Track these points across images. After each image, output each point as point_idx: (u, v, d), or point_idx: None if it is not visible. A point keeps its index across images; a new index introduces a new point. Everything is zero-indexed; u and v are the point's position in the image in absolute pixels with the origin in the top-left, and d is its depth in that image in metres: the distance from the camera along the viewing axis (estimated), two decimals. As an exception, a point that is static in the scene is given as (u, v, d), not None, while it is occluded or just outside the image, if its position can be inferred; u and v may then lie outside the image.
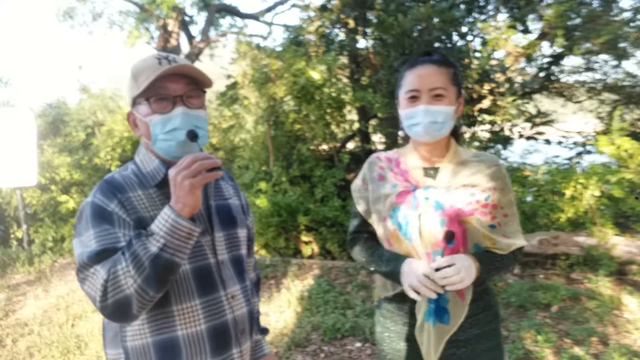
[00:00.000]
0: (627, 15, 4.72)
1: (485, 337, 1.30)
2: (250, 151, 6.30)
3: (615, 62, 5.56)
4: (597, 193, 3.96)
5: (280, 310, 3.69)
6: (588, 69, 5.92)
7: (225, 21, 11.22)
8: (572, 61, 10.36)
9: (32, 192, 6.34)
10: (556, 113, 6.23)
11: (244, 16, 10.64)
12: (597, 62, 5.82)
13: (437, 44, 5.02)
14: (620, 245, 3.83)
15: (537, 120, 5.89)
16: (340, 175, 5.46)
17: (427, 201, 1.26)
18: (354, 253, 1.47)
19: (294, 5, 9.74)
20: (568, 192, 4.07)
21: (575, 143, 6.06)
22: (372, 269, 1.38)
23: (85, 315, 3.79)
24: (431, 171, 1.32)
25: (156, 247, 0.91)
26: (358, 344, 3.11)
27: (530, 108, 6.16)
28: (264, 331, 1.40)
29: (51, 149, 6.88)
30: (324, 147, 6.11)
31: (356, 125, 6.29)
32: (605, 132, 4.96)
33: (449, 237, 1.19)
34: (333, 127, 5.97)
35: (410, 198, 1.28)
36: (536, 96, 6.18)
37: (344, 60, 6.24)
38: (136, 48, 9.73)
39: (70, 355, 3.19)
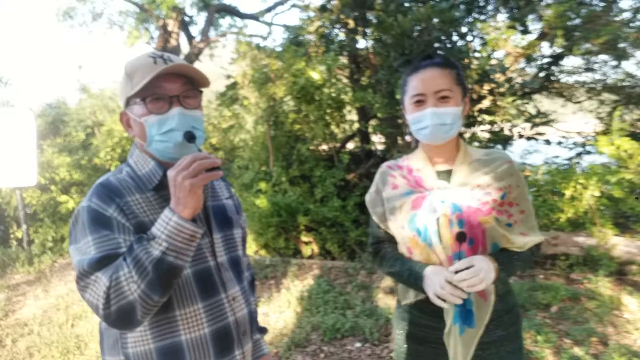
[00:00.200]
0: (626, 15, 4.72)
1: (510, 339, 1.30)
2: (250, 151, 6.30)
3: (615, 63, 5.56)
4: (597, 193, 3.96)
5: (280, 310, 3.69)
6: (588, 69, 5.92)
7: (225, 21, 11.22)
8: (572, 61, 10.38)
9: (32, 192, 6.34)
10: (556, 113, 6.23)
11: (243, 16, 10.64)
12: (596, 63, 5.82)
13: (436, 44, 5.02)
14: (620, 245, 3.83)
15: (537, 120, 5.89)
16: (340, 175, 5.46)
17: (443, 204, 1.25)
18: (376, 264, 1.46)
19: (293, 6, 9.74)
20: (568, 193, 4.07)
21: (575, 143, 6.06)
22: (394, 279, 1.38)
23: (85, 315, 3.79)
24: (444, 174, 1.32)
25: (158, 250, 0.89)
26: (358, 344, 3.11)
27: (530, 108, 6.15)
28: (263, 330, 1.39)
29: (51, 149, 6.88)
30: (324, 147, 6.11)
31: (356, 126, 6.29)
32: (605, 133, 4.96)
33: (461, 238, 1.20)
34: (333, 127, 5.97)
35: (426, 203, 1.28)
36: (536, 96, 6.18)
37: (343, 60, 6.23)
38: (136, 48, 9.73)
39: (70, 355, 3.19)
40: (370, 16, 5.61)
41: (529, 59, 5.32)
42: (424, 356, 1.34)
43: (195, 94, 1.09)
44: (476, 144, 5.48)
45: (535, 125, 5.87)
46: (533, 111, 6.10)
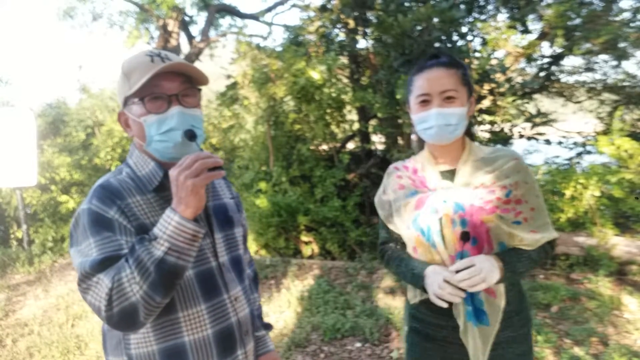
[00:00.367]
0: (627, 15, 4.72)
1: (519, 340, 1.29)
2: (250, 151, 6.29)
3: (615, 63, 5.56)
4: (597, 193, 3.95)
5: (280, 310, 3.69)
6: (588, 69, 5.92)
7: (225, 21, 11.22)
8: (572, 61, 10.36)
9: (32, 192, 6.34)
10: (556, 113, 6.22)
11: (243, 16, 10.64)
12: (597, 63, 5.81)
13: (437, 44, 5.01)
14: (620, 245, 3.82)
15: (537, 120, 5.89)
16: (340, 175, 5.46)
17: (445, 204, 1.25)
18: (384, 265, 1.47)
19: (294, 6, 9.75)
20: (568, 192, 4.07)
21: (575, 143, 6.05)
22: (400, 278, 1.41)
23: (85, 315, 3.79)
24: (448, 174, 1.32)
25: (160, 251, 0.89)
26: (358, 344, 3.11)
27: (530, 108, 6.15)
28: (268, 327, 1.38)
29: (51, 149, 6.87)
30: (324, 147, 6.11)
31: (356, 126, 6.29)
32: (605, 133, 4.96)
33: (465, 237, 1.20)
34: (333, 127, 5.97)
35: (429, 203, 1.28)
36: (536, 96, 6.18)
37: (344, 60, 6.23)
38: (136, 48, 9.72)
39: (70, 355, 3.19)
40: (371, 16, 5.61)
41: (529, 59, 5.32)
42: (432, 353, 1.35)
43: (194, 92, 1.08)
44: (476, 144, 5.47)
45: (535, 125, 5.87)
46: (533, 111, 6.10)
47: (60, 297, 4.18)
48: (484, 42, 4.92)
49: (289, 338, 3.20)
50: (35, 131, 5.75)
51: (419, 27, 4.93)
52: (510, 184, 1.24)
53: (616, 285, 3.61)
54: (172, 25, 9.11)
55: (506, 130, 5.69)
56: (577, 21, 4.59)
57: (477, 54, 4.93)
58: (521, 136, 5.83)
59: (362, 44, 5.96)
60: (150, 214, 1.03)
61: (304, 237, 5.28)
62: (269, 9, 10.22)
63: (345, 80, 6.38)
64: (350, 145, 6.61)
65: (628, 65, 5.92)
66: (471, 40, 5.23)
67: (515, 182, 1.24)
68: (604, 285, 3.56)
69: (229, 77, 6.43)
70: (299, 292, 3.95)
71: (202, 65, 9.59)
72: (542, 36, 5.00)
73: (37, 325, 3.65)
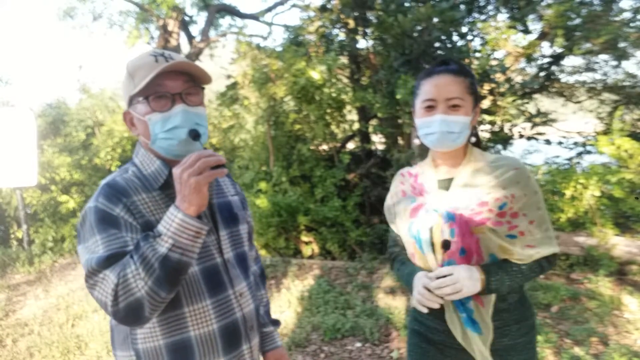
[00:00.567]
0: (627, 15, 4.72)
1: (518, 349, 1.27)
2: (250, 151, 6.29)
3: (615, 62, 5.56)
4: (597, 193, 3.95)
5: (281, 310, 3.69)
6: (588, 69, 5.92)
7: (225, 21, 11.22)
8: (572, 61, 10.38)
9: (32, 192, 6.34)
10: (556, 113, 6.22)
11: (244, 16, 10.64)
12: (597, 62, 5.81)
13: (437, 44, 5.01)
14: (620, 245, 3.82)
15: (537, 120, 5.89)
16: (340, 175, 5.46)
17: (437, 213, 1.26)
18: (390, 267, 1.52)
19: (294, 6, 9.75)
20: (568, 192, 4.07)
21: (575, 143, 6.05)
22: (400, 281, 1.43)
23: (85, 315, 3.79)
24: (446, 181, 1.32)
25: (165, 247, 0.90)
26: (358, 344, 3.11)
27: (530, 108, 6.15)
28: (276, 323, 1.41)
29: (51, 149, 6.87)
30: (324, 147, 6.11)
31: (356, 126, 6.29)
32: (606, 132, 4.96)
33: (446, 246, 1.21)
34: (333, 127, 5.97)
35: (422, 211, 1.29)
36: (536, 96, 6.17)
37: (344, 60, 6.23)
38: (137, 48, 9.73)
39: (70, 355, 3.19)
40: (371, 16, 5.61)
41: (529, 59, 5.32)
42: (431, 355, 1.36)
43: (198, 90, 1.09)
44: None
45: (535, 125, 5.87)
46: (533, 111, 6.09)
47: (61, 297, 4.18)
48: (484, 42, 4.92)
49: (289, 338, 3.20)
50: (35, 131, 5.75)
51: (419, 27, 4.93)
52: (506, 196, 1.21)
53: (616, 285, 3.61)
54: (172, 25, 9.11)
55: (506, 130, 5.69)
56: (577, 21, 4.58)
57: (477, 54, 4.92)
58: (521, 136, 5.83)
59: (362, 44, 5.96)
60: (155, 211, 1.05)
61: (304, 237, 5.28)
62: (269, 9, 10.22)
63: (345, 80, 6.38)
64: (350, 145, 6.61)
65: (628, 65, 5.93)
66: (471, 40, 5.23)
67: (512, 195, 1.21)
68: (604, 285, 3.56)
69: (229, 77, 6.43)
70: (299, 292, 3.95)
71: (202, 65, 9.57)
72: (542, 36, 5.01)
73: (37, 325, 3.65)
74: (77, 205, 6.40)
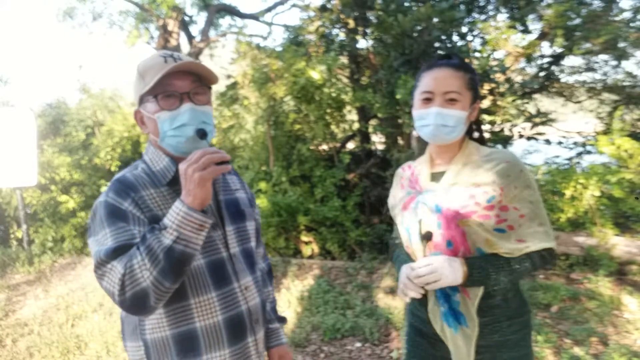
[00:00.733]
0: (627, 15, 4.72)
1: (509, 346, 1.25)
2: (250, 151, 6.29)
3: (615, 62, 5.55)
4: (597, 193, 3.95)
5: (280, 310, 3.69)
6: (588, 69, 5.91)
7: (225, 21, 11.22)
8: (572, 61, 10.36)
9: (32, 192, 6.34)
10: (556, 113, 6.22)
11: (243, 16, 10.64)
12: (597, 62, 5.81)
13: (437, 44, 5.01)
14: (620, 245, 3.82)
15: (537, 120, 5.88)
16: (340, 175, 5.45)
17: (425, 205, 1.27)
18: (390, 259, 1.54)
19: (294, 5, 9.75)
20: (568, 192, 4.07)
21: (575, 143, 6.05)
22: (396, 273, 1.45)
23: (85, 315, 3.79)
24: (439, 175, 1.32)
25: (169, 239, 0.94)
26: (358, 344, 3.11)
27: (530, 108, 6.15)
28: (282, 320, 1.44)
29: (51, 149, 6.87)
30: (324, 147, 6.11)
31: (356, 126, 6.29)
32: (606, 132, 4.96)
33: (426, 237, 1.23)
34: (333, 127, 5.97)
35: (413, 204, 1.31)
36: (536, 96, 6.17)
37: (344, 60, 6.23)
38: (136, 48, 9.73)
39: (70, 355, 3.19)
40: (371, 16, 5.61)
41: (529, 59, 5.32)
42: (423, 348, 1.38)
43: (205, 90, 1.14)
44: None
45: (535, 125, 5.87)
46: (533, 111, 6.09)
47: (60, 297, 4.18)
48: (484, 42, 4.92)
49: (289, 338, 3.20)
50: (35, 131, 5.75)
51: (419, 27, 4.93)
52: (495, 189, 1.20)
53: (616, 285, 3.61)
54: (172, 25, 9.11)
55: (506, 130, 5.69)
56: (577, 21, 4.58)
57: (477, 54, 4.92)
58: (521, 136, 5.83)
59: (362, 44, 5.96)
60: (163, 206, 1.09)
61: (304, 237, 5.28)
62: (269, 9, 10.22)
63: (345, 80, 6.38)
64: (350, 145, 6.60)
65: (628, 65, 5.93)
66: (471, 40, 5.23)
67: (501, 188, 1.20)
68: (604, 285, 3.56)
69: (229, 77, 6.42)
70: (299, 292, 3.95)
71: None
72: (542, 36, 5.00)
73: (37, 325, 3.65)
74: (77, 205, 6.39)
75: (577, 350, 2.78)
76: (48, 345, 3.30)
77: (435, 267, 1.18)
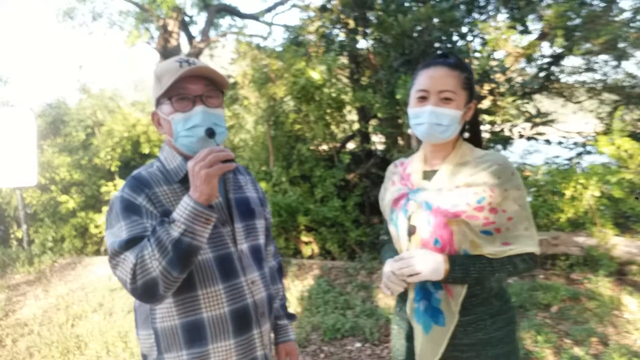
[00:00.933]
0: (627, 15, 4.72)
1: (493, 343, 1.25)
2: (250, 151, 6.29)
3: (615, 63, 5.56)
4: (597, 193, 3.95)
5: (280, 310, 3.69)
6: (588, 69, 5.91)
7: (225, 21, 11.23)
8: (572, 61, 10.37)
9: (32, 192, 6.34)
10: (556, 113, 6.22)
11: (244, 16, 10.64)
12: (597, 63, 5.81)
13: (437, 44, 5.01)
14: (620, 245, 3.82)
15: (537, 120, 5.89)
16: (340, 175, 5.45)
17: (416, 203, 1.28)
18: (378, 251, 1.55)
19: (294, 6, 9.75)
20: (568, 193, 4.07)
21: (575, 143, 6.05)
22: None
23: (85, 316, 3.79)
24: (431, 173, 1.33)
25: (178, 232, 1.00)
26: (358, 344, 3.11)
27: (530, 108, 6.15)
28: (291, 317, 1.50)
29: (51, 149, 6.87)
30: (324, 147, 6.10)
31: (356, 126, 6.28)
32: (606, 133, 4.96)
33: (411, 231, 1.26)
34: (333, 127, 5.96)
35: (403, 200, 1.33)
36: (536, 96, 6.17)
37: (344, 60, 6.23)
38: (136, 48, 9.73)
39: (70, 355, 3.19)
40: (371, 16, 5.61)
41: (529, 59, 5.32)
42: (401, 342, 1.39)
43: (217, 94, 1.20)
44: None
45: (535, 125, 5.87)
46: (533, 111, 6.10)
47: (60, 297, 4.18)
48: (484, 43, 4.92)
49: (289, 338, 3.20)
50: (35, 131, 5.75)
51: (419, 27, 4.93)
52: (485, 190, 1.21)
53: (616, 286, 3.61)
54: (172, 25, 9.11)
55: (506, 130, 5.69)
56: (577, 21, 4.59)
57: (477, 54, 4.93)
58: (521, 136, 5.83)
59: (362, 44, 5.96)
60: (174, 202, 1.16)
61: (304, 237, 5.27)
62: (269, 9, 10.23)
63: (345, 80, 6.38)
64: (350, 145, 6.60)
65: (628, 65, 5.93)
66: (471, 41, 5.23)
67: (491, 189, 1.21)
68: (604, 286, 3.56)
69: (228, 77, 6.42)
70: (299, 292, 3.95)
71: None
72: (542, 36, 5.00)
73: (37, 325, 3.65)
74: (76, 205, 6.39)
75: (577, 351, 2.78)
76: (48, 345, 3.30)
77: (415, 260, 1.20)
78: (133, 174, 1.19)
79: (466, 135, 1.39)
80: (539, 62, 5.76)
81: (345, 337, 3.21)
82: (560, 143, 6.06)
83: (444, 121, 1.25)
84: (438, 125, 1.25)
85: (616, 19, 4.61)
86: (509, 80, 5.17)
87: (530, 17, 5.00)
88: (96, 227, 6.30)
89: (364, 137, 6.08)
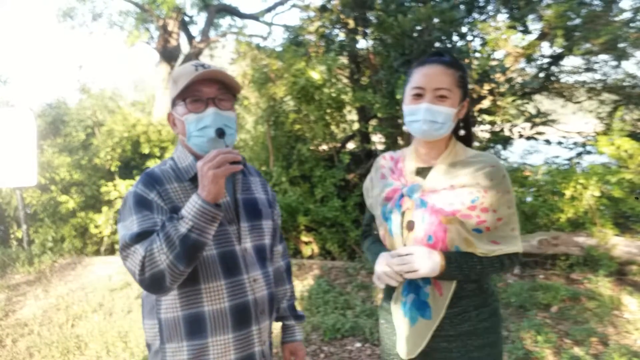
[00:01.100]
0: (627, 15, 4.72)
1: (478, 334, 1.30)
2: (250, 151, 6.29)
3: (615, 63, 5.56)
4: (597, 193, 3.96)
5: (280, 310, 3.69)
6: (588, 70, 5.91)
7: (225, 21, 11.24)
8: (572, 61, 10.35)
9: (32, 192, 6.34)
10: (556, 113, 6.22)
11: (243, 16, 10.65)
12: (597, 63, 5.81)
13: (437, 44, 5.01)
14: (620, 245, 3.83)
15: (537, 120, 5.89)
16: (340, 175, 5.45)
17: (411, 200, 1.30)
18: (363, 248, 1.55)
19: (294, 6, 9.76)
20: (568, 193, 4.07)
21: (575, 143, 6.05)
22: (368, 259, 1.46)
23: (85, 316, 3.79)
24: (424, 171, 1.35)
25: (185, 228, 1.05)
26: (358, 344, 3.12)
27: (530, 108, 6.15)
28: (298, 317, 1.54)
29: (51, 149, 6.87)
30: (324, 147, 6.10)
31: (356, 126, 6.28)
32: (605, 133, 4.96)
33: (409, 226, 1.28)
34: (333, 127, 5.96)
35: (397, 197, 1.34)
36: (536, 96, 6.17)
37: (344, 60, 6.23)
38: (136, 48, 9.74)
39: (70, 356, 3.19)
40: (371, 16, 5.61)
41: (529, 59, 5.32)
42: (388, 333, 1.41)
43: (229, 97, 1.26)
44: (476, 143, 5.47)
45: (535, 125, 5.87)
46: (533, 111, 6.10)
47: (60, 297, 4.18)
48: (484, 42, 4.92)
49: (289, 338, 3.20)
50: (35, 131, 5.75)
51: (419, 27, 4.93)
52: (479, 191, 1.25)
53: (616, 285, 3.61)
54: (172, 25, 9.11)
55: (506, 130, 5.69)
56: (577, 21, 4.59)
57: (477, 54, 4.92)
58: (521, 136, 5.83)
59: (362, 44, 5.96)
60: (184, 198, 1.21)
61: (304, 237, 5.28)
62: (269, 9, 10.24)
63: (345, 80, 6.37)
64: (350, 145, 6.60)
65: (628, 65, 5.93)
66: (471, 41, 5.23)
67: (485, 190, 1.25)
68: (604, 285, 3.56)
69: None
70: (298, 292, 3.95)
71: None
72: (542, 36, 5.00)
73: (37, 325, 3.65)
74: (76, 205, 6.39)
75: (577, 350, 2.78)
76: (48, 346, 3.30)
77: (415, 257, 1.22)
78: (147, 171, 1.26)
79: (461, 132, 1.41)
80: (539, 62, 5.76)
81: (345, 337, 3.21)
82: (560, 143, 6.06)
83: (439, 119, 1.26)
84: (433, 122, 1.27)
85: (616, 19, 4.61)
86: (509, 80, 5.16)
87: (530, 17, 5.00)
88: (96, 227, 6.30)
89: (364, 137, 6.08)
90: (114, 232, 6.25)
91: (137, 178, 1.24)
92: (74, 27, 11.01)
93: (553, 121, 6.06)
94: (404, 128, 1.40)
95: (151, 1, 7.97)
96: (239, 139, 7.25)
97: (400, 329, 1.32)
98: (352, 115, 6.38)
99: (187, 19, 10.13)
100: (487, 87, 4.89)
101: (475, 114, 5.18)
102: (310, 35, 6.03)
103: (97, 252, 6.28)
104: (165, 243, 1.05)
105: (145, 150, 6.84)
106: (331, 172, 5.49)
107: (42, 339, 3.41)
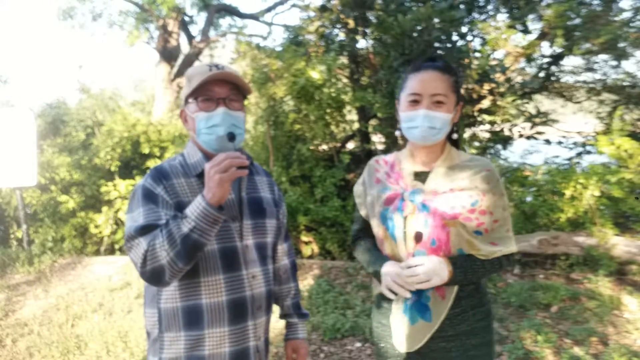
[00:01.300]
0: (626, 15, 4.72)
1: (475, 333, 1.32)
2: (250, 151, 6.29)
3: (615, 62, 5.56)
4: (597, 193, 3.96)
5: (280, 310, 3.69)
6: (588, 69, 5.91)
7: (225, 21, 11.24)
8: (572, 61, 10.37)
9: (32, 192, 6.34)
10: (556, 113, 6.23)
11: (243, 16, 10.65)
12: (597, 62, 5.81)
13: (437, 44, 5.01)
14: (620, 245, 3.83)
15: (537, 120, 5.89)
16: (340, 175, 5.46)
17: (412, 204, 1.31)
18: (355, 254, 1.54)
19: (294, 5, 9.76)
20: (568, 192, 4.07)
21: (575, 143, 6.06)
22: (363, 265, 1.46)
23: (85, 316, 3.79)
24: (422, 175, 1.36)
25: (187, 228, 1.08)
26: (358, 344, 3.12)
27: (530, 108, 6.15)
28: (302, 316, 1.56)
29: (51, 149, 6.86)
30: (324, 147, 6.10)
31: (356, 126, 6.28)
32: (605, 133, 4.96)
33: (418, 238, 1.28)
34: (333, 127, 5.96)
35: (398, 201, 1.34)
36: (536, 96, 6.17)
37: (343, 60, 6.23)
38: (136, 48, 9.74)
39: (70, 355, 3.19)
40: (370, 16, 5.61)
41: (529, 59, 5.32)
42: (386, 334, 1.40)
43: (240, 98, 1.31)
44: (476, 143, 5.47)
45: (535, 125, 5.87)
46: (533, 111, 6.10)
47: (60, 297, 4.18)
48: (484, 42, 4.92)
49: (289, 338, 3.20)
50: (35, 131, 5.74)
51: (419, 27, 4.93)
52: (478, 194, 1.28)
53: (616, 285, 3.61)
54: (172, 25, 9.11)
55: (506, 130, 5.69)
56: (577, 21, 4.58)
57: (477, 54, 4.92)
58: (521, 136, 5.84)
59: (362, 44, 5.96)
60: (190, 194, 1.25)
61: (304, 237, 5.28)
62: (269, 9, 10.23)
63: (345, 80, 6.37)
64: (350, 145, 6.60)
65: (628, 65, 5.94)
66: (471, 40, 5.23)
67: (483, 193, 1.29)
68: (603, 285, 3.56)
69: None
70: (298, 292, 3.94)
71: (202, 65, 9.57)
72: (542, 36, 5.00)
73: (37, 325, 3.65)
74: (76, 205, 6.38)
75: (577, 350, 2.78)
76: (48, 345, 3.30)
77: (427, 268, 1.24)
78: (156, 166, 1.30)
79: (454, 136, 1.42)
80: (538, 62, 5.76)
81: (345, 337, 3.21)
82: (560, 143, 6.06)
83: (437, 124, 1.28)
84: (431, 128, 1.28)
85: (616, 18, 4.61)
86: (508, 80, 5.17)
87: (530, 17, 5.00)
88: (96, 227, 6.30)
89: (364, 137, 6.08)
90: (114, 232, 6.25)
91: (137, 178, 1.28)
92: (74, 27, 11.01)
93: (553, 121, 6.06)
94: (397, 133, 1.40)
95: (151, 1, 7.96)
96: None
97: (399, 326, 1.33)
98: (352, 115, 6.38)
99: (187, 18, 10.13)
100: (487, 87, 4.89)
101: (475, 113, 5.18)
102: (310, 35, 6.03)
103: (97, 252, 6.28)
104: (167, 240, 1.08)
105: (145, 150, 6.84)
106: (331, 172, 5.49)
107: (42, 339, 3.41)
